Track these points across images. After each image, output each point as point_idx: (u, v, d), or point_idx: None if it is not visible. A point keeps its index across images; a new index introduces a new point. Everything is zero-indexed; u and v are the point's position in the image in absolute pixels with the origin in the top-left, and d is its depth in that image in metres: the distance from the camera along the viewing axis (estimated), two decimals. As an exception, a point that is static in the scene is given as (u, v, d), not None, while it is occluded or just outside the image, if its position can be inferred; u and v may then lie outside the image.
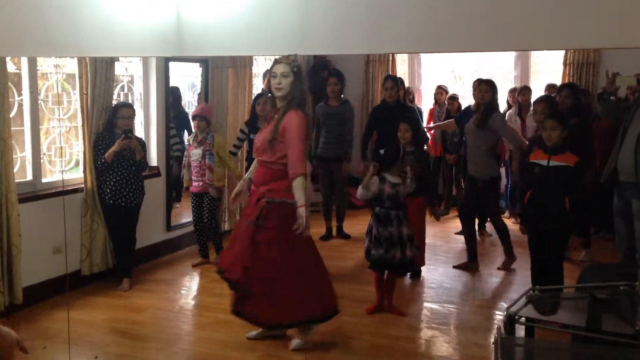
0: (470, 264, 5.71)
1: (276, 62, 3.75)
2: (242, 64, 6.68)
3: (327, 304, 3.97)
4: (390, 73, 8.39)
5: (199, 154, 5.56)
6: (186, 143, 5.80)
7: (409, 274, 5.28)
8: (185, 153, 5.79)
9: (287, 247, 3.80)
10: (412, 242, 4.49)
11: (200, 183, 5.61)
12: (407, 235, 4.46)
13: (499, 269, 5.69)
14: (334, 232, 6.72)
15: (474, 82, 5.98)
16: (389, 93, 6.01)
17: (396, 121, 5.26)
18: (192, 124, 5.71)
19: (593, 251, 6.00)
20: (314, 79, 7.86)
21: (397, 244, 4.43)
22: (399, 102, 6.15)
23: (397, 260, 4.45)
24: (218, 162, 5.60)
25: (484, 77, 5.90)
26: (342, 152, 6.40)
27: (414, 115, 6.38)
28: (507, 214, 7.64)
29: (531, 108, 7.06)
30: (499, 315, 4.52)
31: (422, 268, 5.57)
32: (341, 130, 6.37)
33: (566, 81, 7.56)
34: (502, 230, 5.74)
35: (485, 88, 5.49)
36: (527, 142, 5.62)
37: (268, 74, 3.83)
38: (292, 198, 3.71)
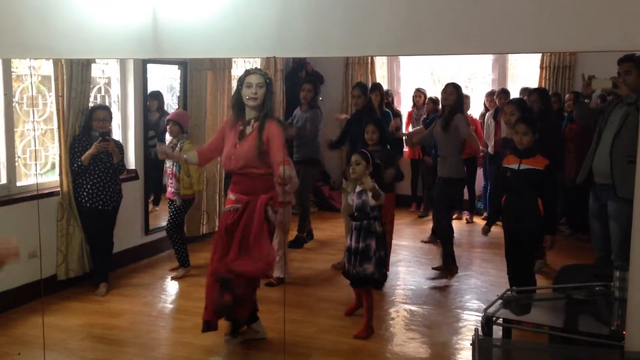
0: (450, 266, 5.73)
1: (248, 72, 3.86)
2: (222, 67, 6.64)
3: None
4: (370, 76, 8.43)
5: (170, 160, 5.47)
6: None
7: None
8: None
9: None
10: (367, 257, 4.21)
11: (171, 190, 5.46)
12: (362, 248, 4.21)
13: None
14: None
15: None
16: (355, 101, 6.03)
17: (365, 125, 5.29)
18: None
19: (568, 253, 6.07)
20: (293, 81, 7.85)
21: (356, 257, 4.25)
22: (366, 106, 6.12)
23: (351, 274, 4.29)
24: (187, 169, 5.37)
25: (458, 81, 5.95)
26: (312, 155, 6.35)
27: (384, 117, 6.34)
28: (484, 215, 7.71)
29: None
30: (477, 317, 4.55)
31: (401, 269, 5.58)
32: (306, 134, 6.32)
33: (542, 84, 7.66)
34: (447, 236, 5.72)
35: (449, 90, 5.52)
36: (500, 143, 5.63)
37: (239, 84, 3.85)
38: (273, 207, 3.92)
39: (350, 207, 4.38)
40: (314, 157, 6.37)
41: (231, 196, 3.95)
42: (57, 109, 4.90)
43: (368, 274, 4.21)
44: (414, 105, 8.09)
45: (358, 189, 4.32)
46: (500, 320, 2.74)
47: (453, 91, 5.51)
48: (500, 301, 2.87)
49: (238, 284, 3.78)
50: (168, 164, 5.51)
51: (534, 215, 4.24)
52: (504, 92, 7.39)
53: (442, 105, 5.62)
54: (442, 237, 5.75)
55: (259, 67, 3.92)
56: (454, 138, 5.47)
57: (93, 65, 5.16)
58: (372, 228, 4.24)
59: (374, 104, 6.27)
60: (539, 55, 7.74)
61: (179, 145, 5.37)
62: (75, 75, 4.89)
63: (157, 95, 6.53)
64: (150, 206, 6.28)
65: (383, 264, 4.39)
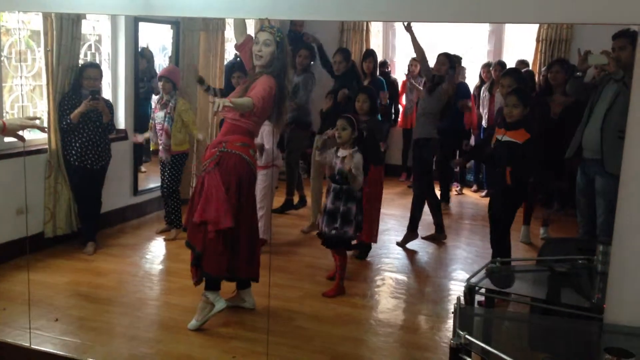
0: (438, 236, 5.77)
1: (260, 29, 3.70)
2: (215, 28, 6.54)
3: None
4: (365, 43, 8.34)
5: (161, 116, 5.40)
6: (153, 105, 5.62)
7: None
8: (151, 115, 5.59)
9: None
10: (348, 220, 4.30)
11: (161, 146, 5.46)
12: (344, 211, 4.29)
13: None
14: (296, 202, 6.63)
15: None
16: (337, 67, 6.00)
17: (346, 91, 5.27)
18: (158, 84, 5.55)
19: (557, 226, 6.12)
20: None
21: (335, 219, 4.30)
22: (348, 72, 6.10)
23: (329, 235, 4.35)
24: (179, 126, 5.39)
25: (452, 52, 5.94)
26: (303, 117, 6.31)
27: (377, 85, 6.31)
28: (474, 187, 7.74)
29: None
30: (461, 287, 4.58)
31: (388, 238, 5.61)
32: (299, 99, 6.27)
33: (538, 57, 7.62)
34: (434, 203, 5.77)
35: (442, 60, 5.53)
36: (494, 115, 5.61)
37: (249, 41, 3.77)
38: (247, 154, 3.74)
39: (332, 168, 4.42)
40: (304, 120, 6.32)
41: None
42: (46, 65, 4.82)
43: (348, 236, 4.34)
44: (409, 73, 8.02)
45: (342, 153, 4.34)
46: (482, 290, 2.77)
47: (445, 61, 5.50)
48: (483, 271, 2.90)
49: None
50: (158, 119, 5.44)
51: (501, 186, 4.31)
52: (500, 64, 7.32)
53: (433, 75, 5.57)
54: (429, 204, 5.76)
55: (267, 25, 3.63)
56: (433, 102, 5.48)
57: (83, 21, 5.07)
58: (353, 192, 4.32)
59: (366, 70, 6.26)
60: (536, 28, 7.68)
61: (171, 103, 5.35)
62: (65, 30, 4.80)
63: (146, 54, 6.41)
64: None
65: (360, 228, 4.46)
